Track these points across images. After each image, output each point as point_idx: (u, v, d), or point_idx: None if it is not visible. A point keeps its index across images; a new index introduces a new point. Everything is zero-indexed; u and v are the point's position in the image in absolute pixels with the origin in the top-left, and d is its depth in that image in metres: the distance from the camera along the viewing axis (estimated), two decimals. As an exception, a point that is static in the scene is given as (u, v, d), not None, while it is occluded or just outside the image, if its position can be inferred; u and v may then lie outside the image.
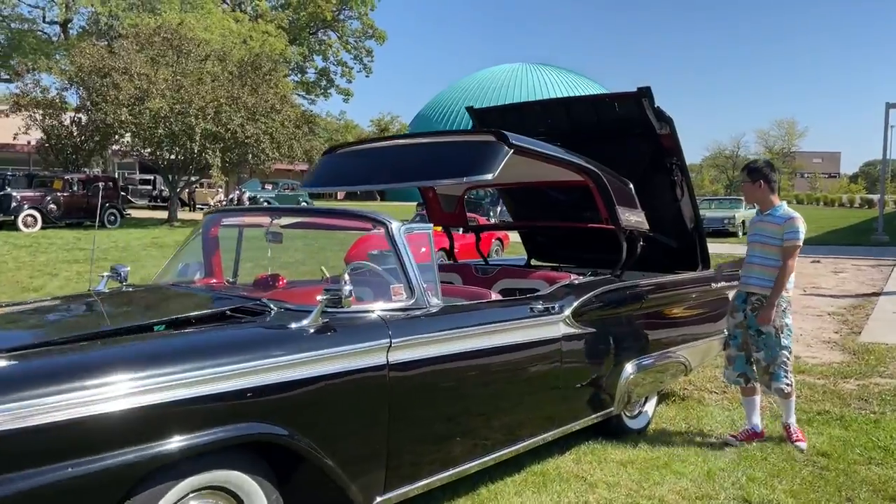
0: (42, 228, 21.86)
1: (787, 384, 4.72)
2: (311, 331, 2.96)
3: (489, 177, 3.74)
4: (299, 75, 57.03)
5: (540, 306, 3.93)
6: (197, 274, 4.18)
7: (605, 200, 4.73)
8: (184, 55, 24.89)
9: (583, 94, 57.42)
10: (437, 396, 3.40)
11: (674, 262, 5.90)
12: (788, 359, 4.76)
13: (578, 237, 5.98)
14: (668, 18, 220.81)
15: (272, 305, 3.22)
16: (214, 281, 4.13)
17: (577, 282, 4.44)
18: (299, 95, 55.96)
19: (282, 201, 36.53)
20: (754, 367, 4.86)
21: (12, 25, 42.28)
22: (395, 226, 3.48)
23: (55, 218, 22.57)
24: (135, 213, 31.10)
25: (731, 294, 5.91)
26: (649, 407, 5.10)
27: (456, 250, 6.00)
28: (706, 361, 5.97)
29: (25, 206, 21.73)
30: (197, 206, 37.40)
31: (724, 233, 25.65)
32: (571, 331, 4.09)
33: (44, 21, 41.87)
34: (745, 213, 25.85)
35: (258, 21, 46.43)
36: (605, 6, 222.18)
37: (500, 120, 5.90)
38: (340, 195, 52.58)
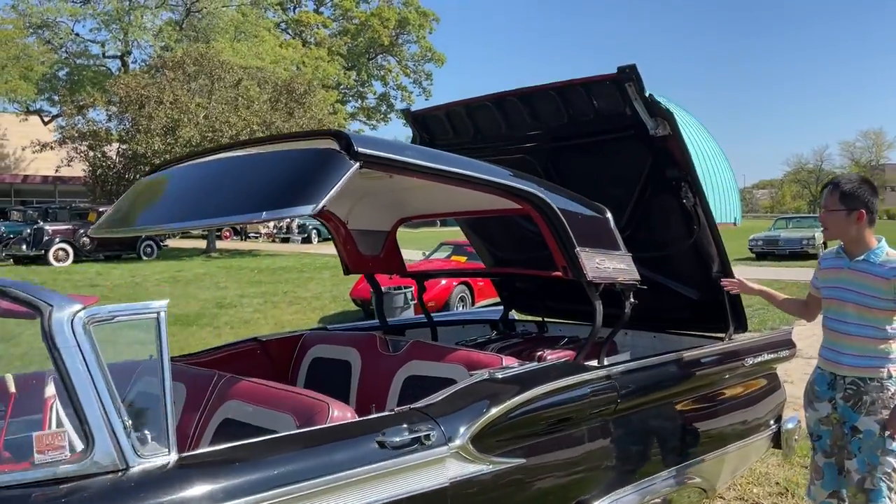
0: (74, 262, 21.31)
1: (892, 509, 3.04)
2: None
3: (309, 209, 2.14)
4: (359, 101, 56.71)
5: (403, 435, 2.24)
6: None
7: (557, 239, 3.03)
8: (216, 80, 24.21)
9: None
10: None
11: (696, 319, 4.12)
12: None
13: (568, 282, 4.27)
14: (741, 25, 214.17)
15: None
16: None
17: (501, 374, 2.70)
18: (360, 121, 55.61)
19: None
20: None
21: (77, 61, 43.29)
22: (59, 316, 1.86)
23: (88, 251, 22.02)
24: (176, 244, 30.58)
25: (779, 367, 4.09)
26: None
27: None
28: (742, 472, 4.12)
29: (57, 240, 21.24)
30: (249, 234, 36.82)
31: (802, 255, 22.96)
32: (471, 470, 2.37)
33: (104, 56, 42.57)
34: (819, 230, 23.04)
35: (310, 47, 46.09)
36: (670, 17, 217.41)
37: (444, 125, 4.27)
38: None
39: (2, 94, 33.08)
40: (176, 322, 11.79)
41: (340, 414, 2.31)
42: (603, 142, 3.72)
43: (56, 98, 37.81)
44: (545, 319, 4.83)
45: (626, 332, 4.50)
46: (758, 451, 3.91)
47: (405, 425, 2.24)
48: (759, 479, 4.60)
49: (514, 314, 5.10)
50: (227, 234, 35.88)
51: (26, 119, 38.87)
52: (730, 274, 3.77)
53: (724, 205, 61.75)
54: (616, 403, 2.89)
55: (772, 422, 3.91)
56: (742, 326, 3.95)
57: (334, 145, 2.33)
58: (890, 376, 3.13)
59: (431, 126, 4.34)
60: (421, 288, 4.46)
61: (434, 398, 2.45)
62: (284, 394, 2.47)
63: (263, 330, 11.27)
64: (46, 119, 40.85)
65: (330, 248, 29.44)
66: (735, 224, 59.75)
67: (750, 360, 3.65)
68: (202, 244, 29.59)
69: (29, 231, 21.51)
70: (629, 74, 3.31)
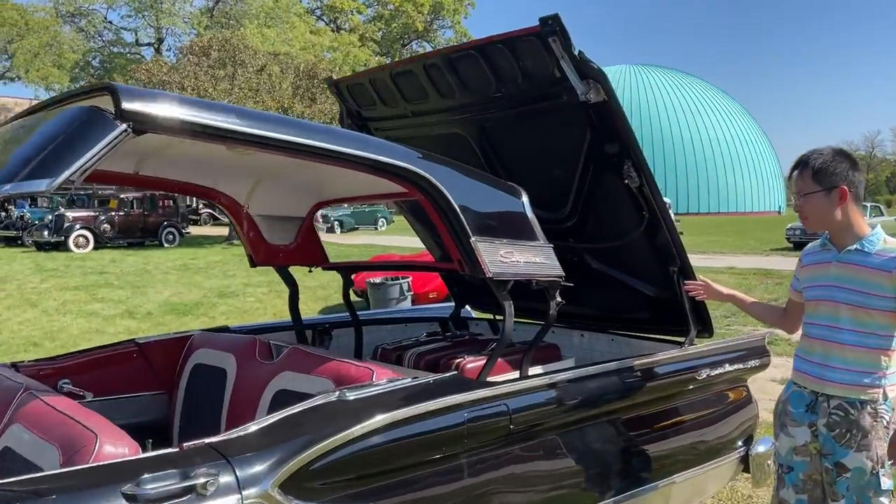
0: (95, 248, 21.30)
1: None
2: None
3: (43, 185, 1.64)
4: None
5: (167, 483, 1.67)
6: None
7: (448, 227, 2.47)
8: (239, 65, 23.95)
9: (689, 97, 53.01)
10: None
11: (655, 320, 3.53)
12: None
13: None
14: (789, 9, 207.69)
15: None
16: None
17: (352, 395, 2.14)
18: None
19: (358, 218, 35.24)
20: None
21: (113, 49, 43.69)
22: None
23: (109, 238, 22.00)
24: (201, 231, 30.51)
25: (748, 378, 3.48)
26: None
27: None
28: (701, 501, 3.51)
29: (77, 227, 21.24)
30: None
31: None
32: None
33: (137, 44, 42.83)
34: (880, 220, 21.55)
35: (339, 32, 45.75)
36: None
37: (370, 95, 3.72)
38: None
39: (34, 80, 33.39)
40: (172, 311, 11.50)
41: (112, 449, 1.80)
42: (537, 112, 3.14)
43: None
44: (496, 317, 4.27)
45: (583, 334, 3.93)
46: (721, 478, 3.31)
47: (178, 469, 1.72)
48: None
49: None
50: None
51: (61, 106, 39.27)
52: (688, 268, 3.16)
53: (767, 192, 59.89)
54: (508, 430, 2.32)
55: (739, 443, 3.30)
56: (706, 329, 3.34)
57: (106, 103, 1.81)
58: (885, 398, 2.53)
59: (357, 97, 3.80)
60: (347, 282, 3.94)
61: (242, 430, 1.92)
62: (62, 419, 1.97)
63: (259, 319, 10.90)
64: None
65: (351, 238, 29.08)
66: (780, 213, 57.81)
67: (708, 372, 3.04)
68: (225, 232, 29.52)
69: (50, 217, 21.60)
70: (552, 27, 2.72)
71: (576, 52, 2.76)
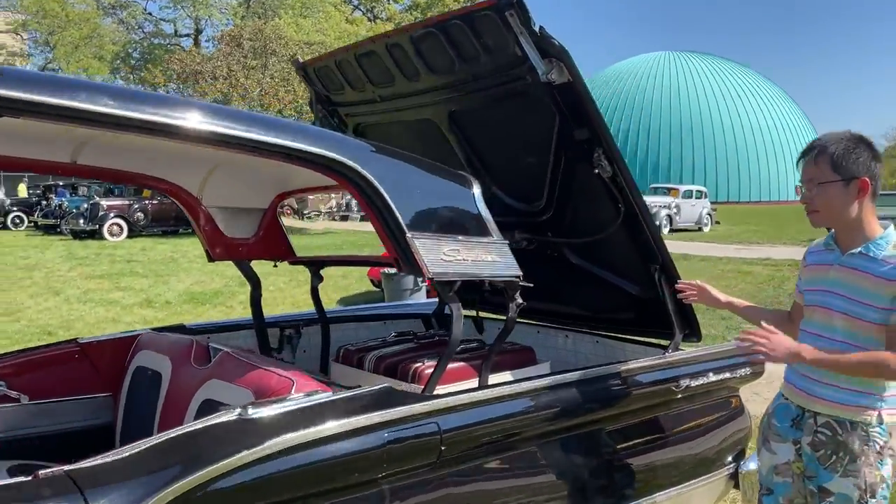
0: (129, 237, 21.54)
1: None
2: None
3: None
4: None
5: None
6: None
7: (381, 221, 2.23)
8: (270, 54, 23.96)
9: (729, 82, 51.77)
10: None
11: (640, 321, 3.25)
12: None
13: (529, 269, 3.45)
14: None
15: None
16: None
17: (255, 413, 1.90)
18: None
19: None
20: None
21: (154, 41, 44.25)
22: None
23: (143, 226, 22.24)
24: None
25: (742, 387, 3.18)
26: None
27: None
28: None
29: (111, 215, 21.49)
30: (306, 214, 36.35)
31: None
32: None
33: (176, 35, 43.26)
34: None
35: (375, 21, 45.60)
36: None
37: (336, 78, 3.48)
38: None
39: (74, 72, 33.97)
40: (191, 300, 11.48)
41: None
42: (504, 95, 2.88)
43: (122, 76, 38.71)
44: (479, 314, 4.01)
45: (568, 335, 3.66)
46: (709, 497, 3.02)
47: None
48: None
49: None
50: (288, 212, 35.64)
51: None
52: (670, 267, 2.87)
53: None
54: (438, 453, 2.07)
55: (729, 458, 3.01)
56: (694, 333, 3.05)
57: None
58: (880, 422, 2.23)
59: (325, 80, 3.57)
60: (317, 278, 3.73)
61: (115, 454, 1.71)
62: None
63: (275, 310, 10.81)
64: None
65: (368, 226, 28.75)
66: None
67: (688, 382, 2.75)
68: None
69: (86, 206, 21.91)
70: (508, 0, 2.45)
71: (536, 28, 2.49)
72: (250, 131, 1.95)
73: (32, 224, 26.46)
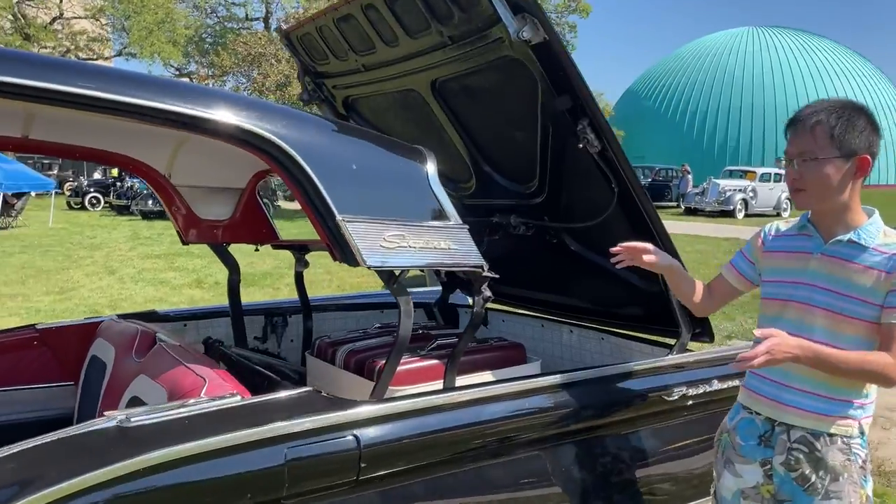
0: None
1: None
2: None
3: None
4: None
5: None
6: None
7: (308, 202, 1.95)
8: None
9: (819, 59, 49.27)
10: None
11: (646, 318, 2.88)
12: None
13: (528, 255, 3.14)
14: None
15: None
16: None
17: (138, 421, 1.61)
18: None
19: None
20: None
21: (227, 25, 45.04)
22: None
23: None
24: (287, 206, 30.28)
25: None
26: None
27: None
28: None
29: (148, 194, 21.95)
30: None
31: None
32: None
33: (248, 18, 43.84)
34: None
35: None
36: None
37: (320, 45, 3.20)
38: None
39: (147, 56, 34.83)
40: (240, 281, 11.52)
41: None
42: (484, 61, 2.54)
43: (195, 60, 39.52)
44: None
45: (572, 330, 3.32)
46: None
47: None
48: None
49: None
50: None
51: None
52: (672, 254, 2.49)
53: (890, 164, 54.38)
54: (358, 472, 1.78)
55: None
56: (705, 333, 2.66)
57: None
58: (861, 433, 1.89)
59: (309, 49, 3.31)
60: (301, 263, 3.49)
61: None
62: None
63: (322, 292, 10.73)
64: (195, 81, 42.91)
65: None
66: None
67: (684, 391, 2.37)
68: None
69: (154, 188, 22.48)
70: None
71: (504, -22, 2.15)
72: (136, 96, 1.69)
73: (108, 205, 27.35)
